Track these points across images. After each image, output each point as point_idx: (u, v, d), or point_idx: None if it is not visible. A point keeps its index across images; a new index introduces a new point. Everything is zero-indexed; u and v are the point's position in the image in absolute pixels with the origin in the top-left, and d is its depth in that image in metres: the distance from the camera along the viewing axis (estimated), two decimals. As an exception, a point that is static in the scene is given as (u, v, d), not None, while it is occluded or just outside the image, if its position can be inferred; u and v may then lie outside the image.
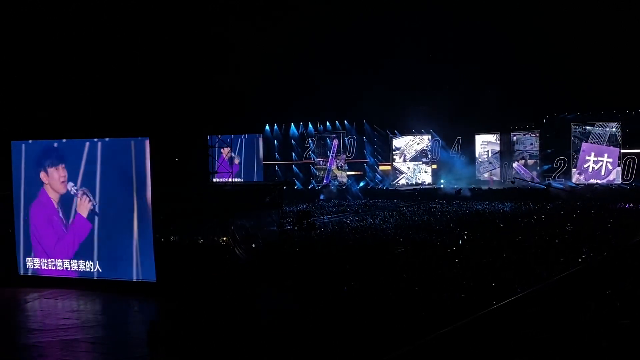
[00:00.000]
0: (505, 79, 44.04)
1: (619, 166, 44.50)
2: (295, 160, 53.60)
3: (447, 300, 16.20)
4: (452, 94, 45.04)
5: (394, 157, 52.84)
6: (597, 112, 45.51)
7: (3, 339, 15.48)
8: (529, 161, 48.93)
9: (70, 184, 20.08)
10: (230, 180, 28.60)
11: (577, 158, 45.97)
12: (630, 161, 44.14)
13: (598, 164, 45.26)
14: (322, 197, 48.36)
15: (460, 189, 45.82)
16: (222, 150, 36.77)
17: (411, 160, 52.57)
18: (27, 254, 20.98)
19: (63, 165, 20.14)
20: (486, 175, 50.87)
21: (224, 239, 22.40)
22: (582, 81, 41.54)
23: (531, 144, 48.89)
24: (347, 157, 52.72)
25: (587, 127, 45.79)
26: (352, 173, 52.83)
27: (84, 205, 19.96)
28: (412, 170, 52.54)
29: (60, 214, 20.28)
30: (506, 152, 50.04)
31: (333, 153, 52.33)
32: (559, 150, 46.58)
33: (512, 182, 47.53)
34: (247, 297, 17.84)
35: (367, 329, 14.20)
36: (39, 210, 20.58)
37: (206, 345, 14.28)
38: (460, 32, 44.64)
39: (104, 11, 25.10)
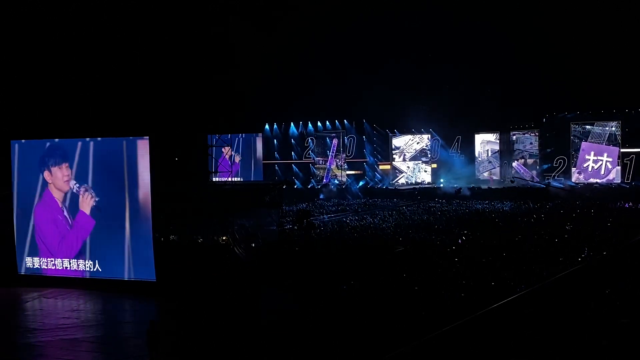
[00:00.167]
0: (505, 79, 44.09)
1: (618, 165, 44.52)
2: (295, 159, 53.63)
3: (447, 299, 16.22)
4: (452, 94, 45.06)
5: (394, 156, 52.88)
6: (596, 112, 45.53)
7: (3, 338, 15.50)
8: (528, 160, 48.96)
9: (73, 182, 20.15)
10: (230, 179, 28.61)
11: (576, 157, 45.99)
12: (629, 160, 44.14)
13: (598, 163, 45.28)
14: (321, 196, 48.43)
15: (460, 188, 45.86)
16: (222, 149, 36.80)
17: (411, 159, 52.61)
18: (27, 253, 21.01)
19: (67, 164, 20.21)
20: (486, 174, 50.89)
21: (224, 238, 22.41)
22: (581, 80, 41.55)
23: (531, 143, 48.91)
24: (346, 156, 52.77)
25: (587, 127, 45.82)
26: (352, 172, 52.87)
27: (86, 202, 20.05)
28: (412, 169, 52.57)
29: (65, 213, 20.35)
30: (506, 152, 50.07)
31: (333, 152, 52.36)
32: (559, 150, 46.60)
33: (512, 182, 47.55)
34: (247, 296, 17.84)
35: (366, 328, 14.23)
36: (43, 210, 20.63)
37: (206, 344, 14.31)
38: (460, 32, 44.63)
39: (103, 11, 25.09)
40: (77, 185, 20.10)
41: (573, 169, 46.04)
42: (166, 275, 19.20)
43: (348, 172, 52.64)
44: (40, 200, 20.60)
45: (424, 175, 52.26)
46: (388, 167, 53.11)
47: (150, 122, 21.58)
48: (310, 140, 53.36)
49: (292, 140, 53.90)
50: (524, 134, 49.32)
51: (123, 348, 14.60)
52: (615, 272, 18.59)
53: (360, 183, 51.63)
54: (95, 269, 20.15)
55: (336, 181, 51.93)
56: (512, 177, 48.44)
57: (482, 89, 45.15)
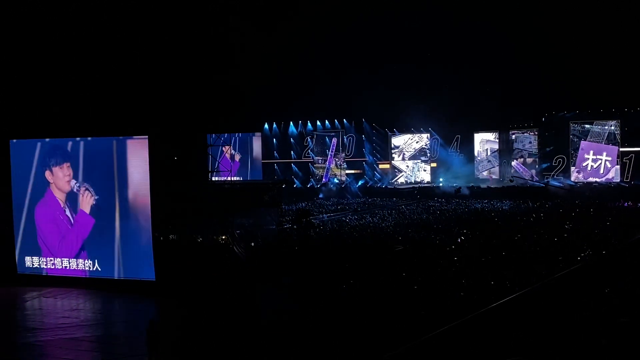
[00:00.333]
0: (504, 78, 44.09)
1: (617, 164, 44.55)
2: (295, 158, 53.62)
3: (446, 298, 16.23)
4: (451, 93, 45.04)
5: (393, 155, 52.88)
6: (596, 111, 45.54)
7: (3, 337, 15.51)
8: (527, 159, 48.98)
9: (73, 181, 20.18)
10: (229, 179, 28.61)
11: (575, 156, 46.01)
12: (628, 159, 44.17)
13: (597, 162, 45.31)
14: (321, 195, 48.44)
15: (459, 188, 45.88)
16: (223, 148, 36.82)
17: (410, 158, 52.62)
18: (27, 253, 21.02)
19: (68, 164, 20.23)
20: (485, 173, 50.92)
21: (223, 237, 22.43)
22: (581, 80, 41.56)
23: (530, 142, 48.94)
24: (346, 155, 52.77)
25: (586, 126, 45.84)
26: (351, 171, 52.88)
27: (86, 201, 20.10)
28: (411, 168, 52.57)
29: (66, 212, 20.38)
30: (505, 151, 50.09)
31: (332, 151, 52.37)
32: (558, 149, 46.62)
33: (511, 181, 47.57)
34: (247, 296, 17.86)
35: (366, 327, 14.23)
36: (44, 210, 20.68)
37: (205, 344, 14.32)
38: (460, 32, 44.63)
39: (103, 11, 25.10)
40: (77, 184, 20.14)
41: (572, 168, 46.06)
42: (166, 275, 19.21)
43: (347, 172, 52.66)
44: (42, 199, 20.63)
45: (423, 174, 52.28)
46: (387, 166, 53.13)
47: (149, 122, 21.60)
48: (309, 140, 53.37)
49: (292, 140, 53.89)
50: (523, 133, 49.33)
51: (123, 347, 14.61)
52: (614, 271, 18.60)
53: (360, 182, 51.65)
54: (94, 269, 20.18)
55: (336, 180, 51.95)
56: (512, 176, 48.46)
57: (481, 88, 45.13)
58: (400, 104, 47.42)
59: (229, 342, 14.21)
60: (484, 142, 51.11)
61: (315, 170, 53.15)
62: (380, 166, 53.51)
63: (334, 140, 52.41)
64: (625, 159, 44.30)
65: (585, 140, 45.72)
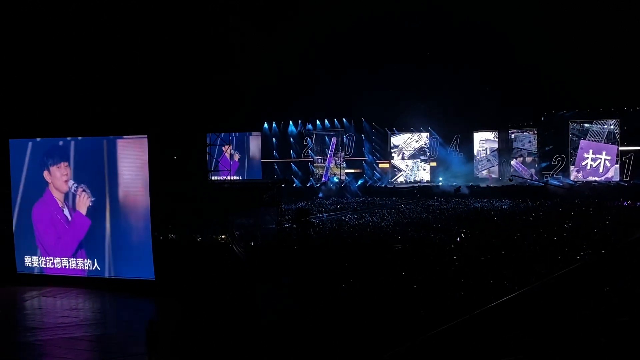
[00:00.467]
0: (503, 77, 44.09)
1: (617, 163, 44.57)
2: (294, 158, 53.64)
3: (446, 298, 16.23)
4: (451, 92, 45.05)
5: (393, 154, 52.92)
6: (595, 110, 45.56)
7: (3, 337, 15.51)
8: (527, 159, 49.03)
9: (71, 181, 20.18)
10: (229, 178, 28.62)
11: (575, 155, 46.05)
12: (628, 159, 44.19)
13: (596, 162, 45.33)
14: (320, 194, 48.43)
15: (459, 187, 45.90)
16: (223, 148, 36.84)
17: (410, 157, 52.65)
18: (26, 252, 21.02)
19: (65, 164, 20.23)
20: (484, 172, 50.95)
21: (223, 237, 22.43)
22: (580, 79, 41.55)
23: (529, 142, 48.98)
24: (345, 154, 52.80)
25: (586, 125, 45.87)
26: (351, 171, 52.89)
27: (82, 202, 20.10)
28: (411, 167, 52.60)
29: (64, 212, 20.39)
30: (504, 150, 50.12)
31: (332, 151, 52.38)
32: (557, 148, 46.66)
33: (511, 180, 47.60)
34: (246, 295, 17.86)
35: (366, 327, 14.24)
36: (42, 209, 20.66)
37: (205, 344, 14.32)
38: (460, 32, 44.63)
39: (103, 11, 25.10)
40: (75, 185, 20.13)
41: (572, 167, 46.11)
42: (165, 274, 19.22)
43: (347, 171, 52.69)
44: (40, 199, 20.63)
45: (422, 173, 52.31)
46: (387, 165, 53.17)
47: (149, 121, 21.60)
48: (309, 139, 53.37)
49: (291, 139, 53.91)
50: (522, 132, 49.36)
51: (122, 347, 14.61)
52: (613, 270, 18.61)
53: (359, 181, 51.67)
54: (94, 268, 20.19)
55: (335, 179, 51.96)
56: (511, 176, 48.49)
57: (481, 88, 45.14)
58: (400, 104, 47.46)
59: (228, 342, 14.21)
60: (484, 141, 51.14)
61: (314, 170, 53.17)
62: (380, 165, 53.54)
63: (334, 139, 52.43)
64: (625, 158, 44.33)
65: (584, 139, 45.75)
